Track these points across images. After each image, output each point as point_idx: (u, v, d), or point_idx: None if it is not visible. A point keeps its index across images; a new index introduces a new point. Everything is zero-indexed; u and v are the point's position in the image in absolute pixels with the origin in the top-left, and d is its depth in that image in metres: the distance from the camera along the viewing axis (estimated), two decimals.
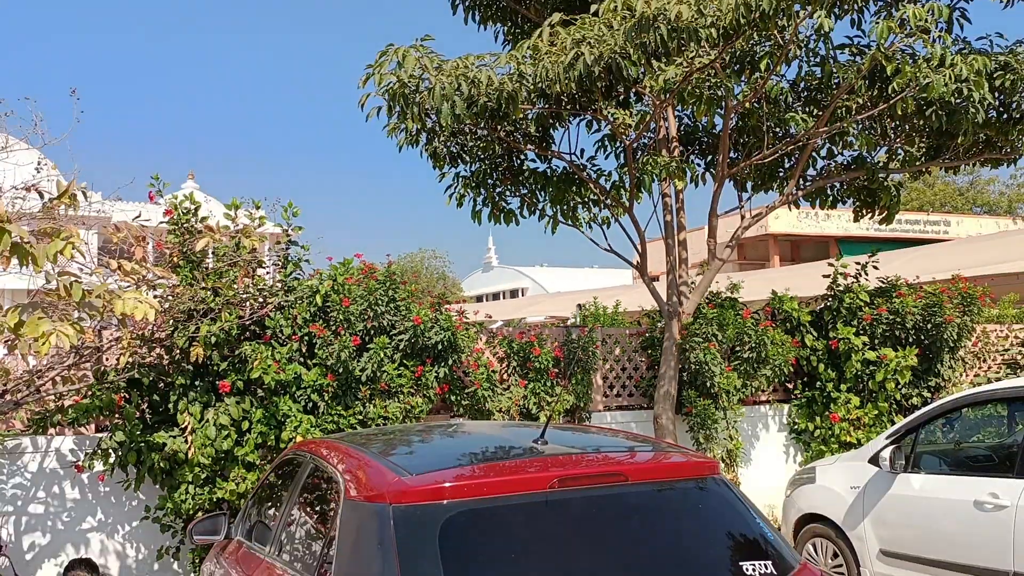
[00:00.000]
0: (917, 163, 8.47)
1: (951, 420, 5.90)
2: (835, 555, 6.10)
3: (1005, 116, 7.81)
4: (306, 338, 6.46)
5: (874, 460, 5.82)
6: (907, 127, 7.73)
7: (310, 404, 6.37)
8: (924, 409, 5.82)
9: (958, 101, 6.99)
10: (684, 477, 2.94)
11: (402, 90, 6.20)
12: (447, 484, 2.60)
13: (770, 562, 2.70)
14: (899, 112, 7.03)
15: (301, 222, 6.66)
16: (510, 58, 6.22)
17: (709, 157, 8.85)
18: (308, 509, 3.38)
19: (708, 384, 7.71)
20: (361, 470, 2.97)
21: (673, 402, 7.68)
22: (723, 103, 6.96)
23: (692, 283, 8.28)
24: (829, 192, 8.81)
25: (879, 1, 7.48)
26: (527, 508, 2.65)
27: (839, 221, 35.92)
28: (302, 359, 6.48)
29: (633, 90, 6.99)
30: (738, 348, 7.94)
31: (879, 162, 8.29)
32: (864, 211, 8.92)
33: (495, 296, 58.40)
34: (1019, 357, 9.02)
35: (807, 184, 8.39)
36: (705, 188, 8.56)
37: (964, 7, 7.52)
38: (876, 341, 8.15)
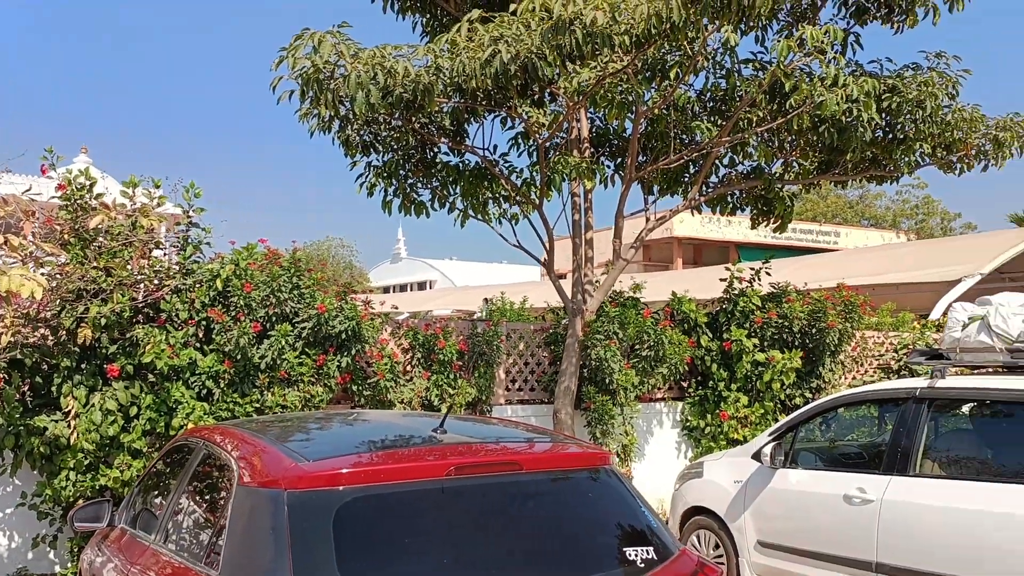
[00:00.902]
0: (810, 176, 8.94)
1: (827, 419, 6.27)
2: (716, 546, 6.39)
3: (891, 136, 8.34)
4: (204, 323, 6.30)
5: (756, 456, 6.12)
6: (802, 142, 8.14)
7: (204, 391, 6.22)
8: (803, 408, 6.17)
9: (848, 120, 7.42)
10: (577, 467, 3.05)
11: (316, 75, 6.11)
12: (344, 470, 2.62)
13: (652, 548, 2.84)
14: (795, 127, 7.41)
15: (205, 203, 6.48)
16: (428, 51, 6.22)
17: (619, 160, 9.07)
18: (199, 496, 3.32)
19: (607, 381, 7.93)
20: (256, 456, 2.94)
21: (573, 397, 7.86)
22: (633, 108, 7.16)
23: (597, 282, 8.49)
24: (730, 199, 9.18)
25: (782, 20, 7.86)
26: (424, 495, 2.70)
27: (739, 228, 37.34)
28: (199, 344, 6.31)
29: (548, 90, 7.11)
30: (637, 347, 8.19)
31: (776, 173, 8.69)
32: (760, 219, 9.34)
33: (403, 288, 57.98)
34: (892, 362, 9.65)
35: (709, 190, 8.72)
36: (614, 189, 8.78)
37: (858, 31, 7.99)
38: (766, 343, 8.56)
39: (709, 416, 8.73)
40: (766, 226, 9.31)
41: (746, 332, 8.53)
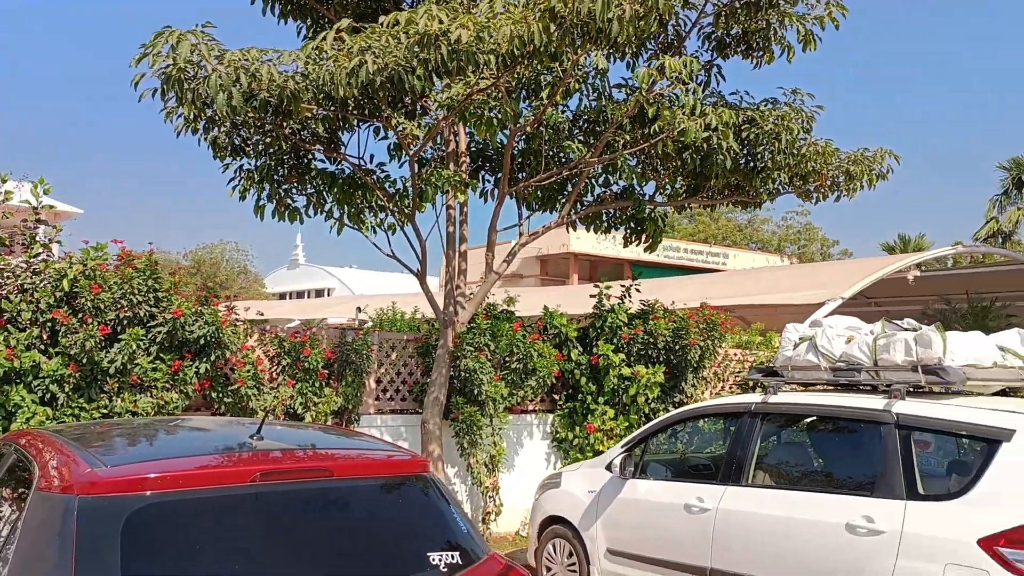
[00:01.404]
0: (680, 198, 9.35)
1: (675, 432, 6.56)
2: (571, 554, 6.57)
3: (752, 165, 8.82)
4: (49, 324, 6.04)
5: (609, 467, 6.34)
6: (671, 166, 8.51)
7: (48, 395, 5.96)
8: (654, 421, 6.44)
9: (710, 147, 7.81)
10: (391, 474, 3.11)
11: (178, 75, 5.99)
12: (139, 476, 2.60)
13: (458, 553, 2.93)
14: (660, 151, 7.75)
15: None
16: (295, 57, 6.20)
17: (498, 175, 9.24)
18: (3, 501, 3.21)
19: (476, 392, 8.03)
20: (57, 461, 2.88)
21: (442, 408, 7.92)
22: (507, 125, 7.32)
23: (471, 294, 8.60)
24: (604, 218, 9.48)
25: (651, 49, 8.21)
26: (225, 501, 2.70)
27: (633, 246, 38.16)
28: (43, 347, 6.05)
29: (420, 103, 7.19)
30: (507, 359, 8.34)
31: (646, 195, 9.04)
32: (633, 238, 9.68)
33: (300, 295, 56.81)
34: (751, 380, 10.14)
35: (583, 208, 8.98)
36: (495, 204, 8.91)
37: (720, 64, 8.43)
38: (632, 358, 8.87)
39: (577, 428, 8.95)
40: (637, 245, 9.64)
41: (613, 347, 8.81)
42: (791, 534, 5.13)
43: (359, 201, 8.25)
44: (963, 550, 4.34)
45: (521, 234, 8.66)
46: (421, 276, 8.28)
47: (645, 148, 7.68)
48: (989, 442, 4.51)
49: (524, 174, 8.89)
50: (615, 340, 8.87)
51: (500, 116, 7.00)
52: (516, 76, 7.69)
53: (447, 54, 5.61)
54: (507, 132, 7.66)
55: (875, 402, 5.07)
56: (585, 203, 9.14)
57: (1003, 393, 5.63)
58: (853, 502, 4.90)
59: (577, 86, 7.96)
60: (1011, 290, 20.12)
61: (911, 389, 5.14)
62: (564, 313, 9.26)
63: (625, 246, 9.84)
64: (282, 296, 54.38)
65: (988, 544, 4.27)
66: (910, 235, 42.28)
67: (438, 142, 8.46)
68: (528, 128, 7.81)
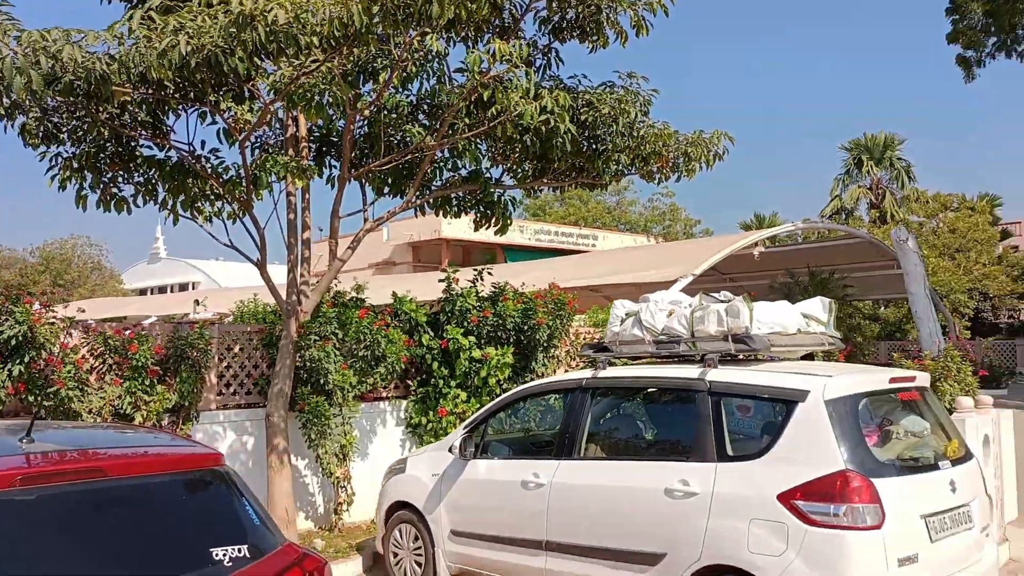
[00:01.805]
0: (527, 181, 9.48)
1: (515, 410, 6.68)
2: (416, 539, 6.59)
3: (594, 147, 9.04)
4: None
5: (452, 448, 6.39)
6: (513, 149, 8.60)
7: None
8: (494, 401, 6.53)
9: (548, 130, 7.93)
10: (176, 470, 3.01)
11: None
12: None
13: (246, 547, 2.87)
14: (500, 134, 7.81)
15: None
16: (103, 37, 5.84)
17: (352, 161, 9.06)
18: None
19: (323, 381, 7.90)
20: None
21: (287, 400, 7.73)
22: (344, 109, 7.16)
23: (316, 283, 8.42)
24: (455, 202, 9.49)
25: (488, 33, 8.24)
26: None
27: (491, 230, 38.54)
28: None
29: (249, 86, 6.93)
30: (355, 347, 8.23)
31: (492, 177, 9.11)
32: (483, 222, 9.74)
33: (162, 289, 54.10)
34: (582, 356, 10.46)
35: (430, 193, 8.95)
36: (352, 191, 8.74)
37: (558, 48, 8.59)
38: (483, 341, 8.95)
39: (431, 413, 8.97)
40: (487, 228, 9.72)
41: (463, 330, 8.87)
42: (618, 502, 5.34)
43: (194, 190, 7.91)
44: (765, 505, 4.64)
45: (366, 220, 8.54)
46: (261, 266, 8.03)
47: (485, 131, 7.71)
48: (787, 403, 4.83)
49: (371, 159, 8.76)
50: (465, 323, 8.92)
51: (332, 99, 6.85)
52: (352, 59, 7.56)
53: (265, 35, 5.43)
54: (345, 116, 7.50)
55: (691, 371, 5.34)
56: (434, 187, 9.11)
57: (809, 357, 6.07)
58: (672, 467, 5.15)
59: (416, 70, 7.90)
60: (848, 262, 21.63)
61: (724, 357, 5.45)
62: (415, 299, 9.23)
63: (475, 230, 9.88)
64: (142, 292, 51.66)
65: (786, 498, 4.60)
66: (765, 214, 44.78)
67: (274, 127, 8.21)
68: (367, 112, 7.70)
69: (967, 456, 5.24)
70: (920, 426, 5.29)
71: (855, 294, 20.40)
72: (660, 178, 10.08)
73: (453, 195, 9.40)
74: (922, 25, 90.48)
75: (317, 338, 7.85)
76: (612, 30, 8.39)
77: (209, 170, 7.58)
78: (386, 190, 9.26)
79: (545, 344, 9.12)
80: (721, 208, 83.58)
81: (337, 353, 8.06)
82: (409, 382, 9.31)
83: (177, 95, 6.58)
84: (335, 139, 9.05)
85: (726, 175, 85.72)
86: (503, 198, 9.66)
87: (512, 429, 6.82)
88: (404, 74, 7.77)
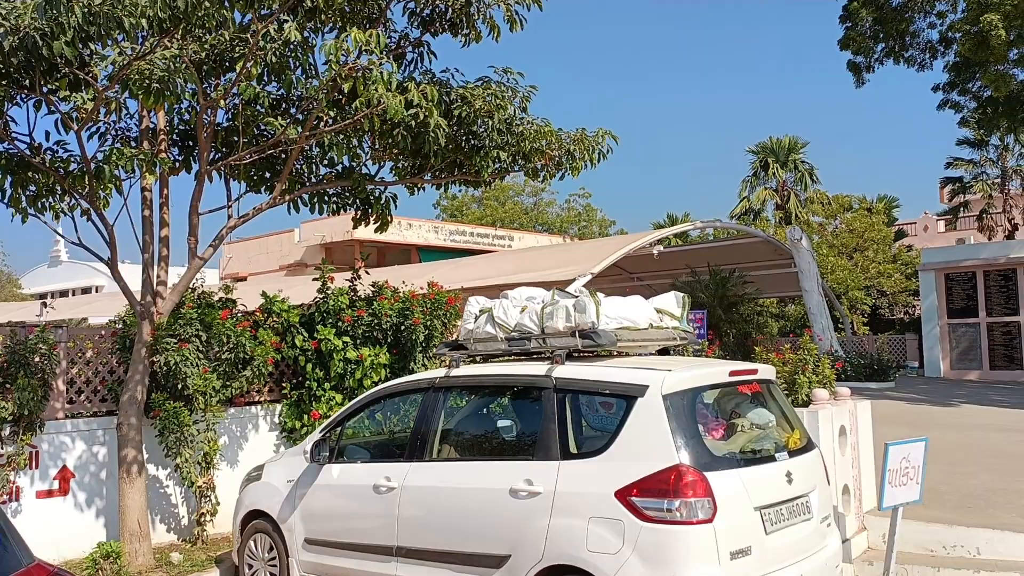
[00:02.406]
0: (405, 177, 9.26)
1: (374, 412, 6.45)
2: (271, 548, 6.30)
3: (473, 143, 8.90)
4: None
5: (305, 453, 6.13)
6: (385, 143, 8.37)
7: None
8: (350, 403, 6.29)
9: (419, 124, 7.74)
10: None
11: None
12: None
13: None
14: (368, 128, 7.58)
15: None
16: None
17: (214, 155, 8.66)
18: None
19: (181, 386, 7.51)
20: None
21: (139, 407, 7.32)
22: (184, 99, 6.82)
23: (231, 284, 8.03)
24: (335, 199, 9.20)
25: (355, 23, 8.00)
26: None
27: (419, 231, 38.47)
28: None
29: (85, 73, 6.51)
30: (219, 349, 7.87)
31: (367, 174, 8.87)
32: (363, 220, 9.48)
33: (64, 293, 51.76)
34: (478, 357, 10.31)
35: (300, 188, 8.64)
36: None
37: (430, 41, 8.42)
38: (358, 341, 8.69)
39: (305, 416, 8.66)
40: (366, 226, 9.47)
41: (334, 331, 8.59)
42: (465, 504, 5.18)
43: (41, 184, 7.42)
44: (603, 503, 4.55)
45: (230, 216, 8.17)
46: (112, 265, 7.59)
47: (350, 125, 7.47)
48: (627, 399, 4.76)
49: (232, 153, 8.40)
50: (339, 324, 8.65)
51: (180, 88, 6.49)
52: (206, 47, 7.22)
53: (82, 16, 5.08)
54: (183, 107, 7.14)
55: (539, 368, 5.23)
56: (307, 183, 8.81)
57: (665, 352, 6.04)
58: (517, 467, 5.02)
59: (277, 61, 7.59)
60: (750, 261, 22.17)
61: (573, 353, 5.36)
62: (287, 299, 8.90)
63: (355, 227, 9.63)
64: (42, 296, 49.22)
65: (623, 495, 4.52)
66: (677, 214, 45.66)
67: (125, 117, 7.78)
68: (221, 102, 7.36)
69: (808, 447, 5.28)
70: (765, 418, 5.31)
71: (759, 292, 20.92)
72: (544, 176, 10.03)
73: (328, 192, 9.12)
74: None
75: (173, 340, 7.46)
76: (484, 24, 8.27)
77: (50, 163, 7.10)
78: (258, 186, 8.93)
79: (423, 344, 8.92)
80: (636, 209, 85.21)
81: (200, 356, 7.68)
82: (285, 385, 8.97)
83: (2, 81, 6.12)
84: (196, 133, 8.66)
85: (642, 176, 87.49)
86: (383, 195, 9.44)
87: (373, 432, 6.59)
88: (266, 64, 7.45)
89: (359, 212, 9.41)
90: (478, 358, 5.99)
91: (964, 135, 31.38)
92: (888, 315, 34.05)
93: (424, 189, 9.90)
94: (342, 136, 7.84)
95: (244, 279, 36.24)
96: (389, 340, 8.80)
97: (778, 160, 39.48)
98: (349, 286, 9.29)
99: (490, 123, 8.42)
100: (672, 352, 6.05)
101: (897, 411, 13.67)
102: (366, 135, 8.34)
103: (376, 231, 9.58)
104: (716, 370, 5.06)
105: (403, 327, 8.73)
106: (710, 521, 4.38)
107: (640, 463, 4.55)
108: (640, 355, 5.64)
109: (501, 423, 5.68)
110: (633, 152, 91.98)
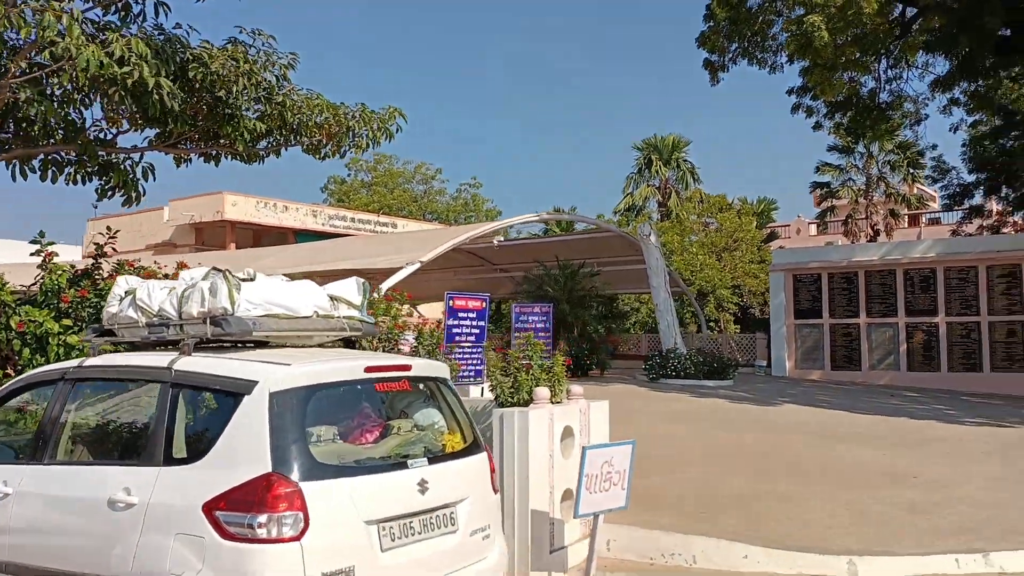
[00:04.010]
0: (154, 146, 8.44)
1: (13, 407, 5.63)
2: None
3: (227, 111, 8.14)
4: None
5: None
6: (114, 105, 7.53)
7: None
8: None
9: (135, 83, 6.92)
10: None
11: None
12: None
13: None
14: (68, 83, 6.74)
15: None
16: None
17: None
18: None
19: None
20: None
21: None
22: None
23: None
24: (64, 166, 8.28)
25: None
26: None
27: (296, 214, 37.18)
28: None
29: None
30: None
31: (99, 138, 8.01)
32: (109, 192, 8.60)
33: None
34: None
35: (8, 149, 7.71)
36: None
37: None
38: (83, 325, 7.80)
39: None
40: (110, 199, 8.60)
41: (56, 312, 7.69)
42: (67, 516, 4.48)
43: None
44: (190, 517, 3.94)
45: None
46: None
47: (37, 77, 6.61)
48: (235, 396, 4.15)
49: None
50: (59, 304, 7.75)
51: None
52: None
53: None
54: None
55: (163, 359, 4.57)
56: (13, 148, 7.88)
57: (351, 344, 5.47)
58: (120, 473, 4.35)
59: None
60: (605, 255, 22.04)
61: (217, 344, 4.73)
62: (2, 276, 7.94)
63: (99, 199, 8.72)
64: None
65: (209, 509, 3.91)
66: (564, 207, 45.68)
67: None
68: None
69: (470, 451, 4.79)
70: (429, 419, 4.82)
71: (607, 285, 20.76)
72: (326, 153, 9.40)
73: (64, 157, 8.20)
74: None
75: None
76: None
77: None
78: None
79: None
80: (525, 201, 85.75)
81: None
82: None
83: None
84: None
85: (533, 168, 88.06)
86: (134, 166, 8.60)
87: (12, 431, 5.75)
88: None
89: (104, 184, 8.54)
90: (124, 347, 5.28)
91: (833, 141, 32.34)
92: (758, 314, 34.89)
93: (190, 160, 9.09)
94: (43, 92, 6.95)
95: (107, 257, 34.19)
96: None
97: (662, 158, 39.90)
98: (93, 263, 8.37)
99: (235, 89, 7.70)
100: (357, 345, 5.49)
101: (709, 409, 13.63)
102: (89, 94, 7.47)
103: (124, 205, 8.72)
104: (346, 365, 4.50)
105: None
106: (298, 539, 3.82)
107: (234, 471, 3.96)
108: (303, 347, 5.05)
109: (118, 422, 4.98)
110: (527, 143, 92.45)
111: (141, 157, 8.72)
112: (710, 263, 30.30)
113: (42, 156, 8.08)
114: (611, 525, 6.61)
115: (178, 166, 9.15)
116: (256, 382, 4.11)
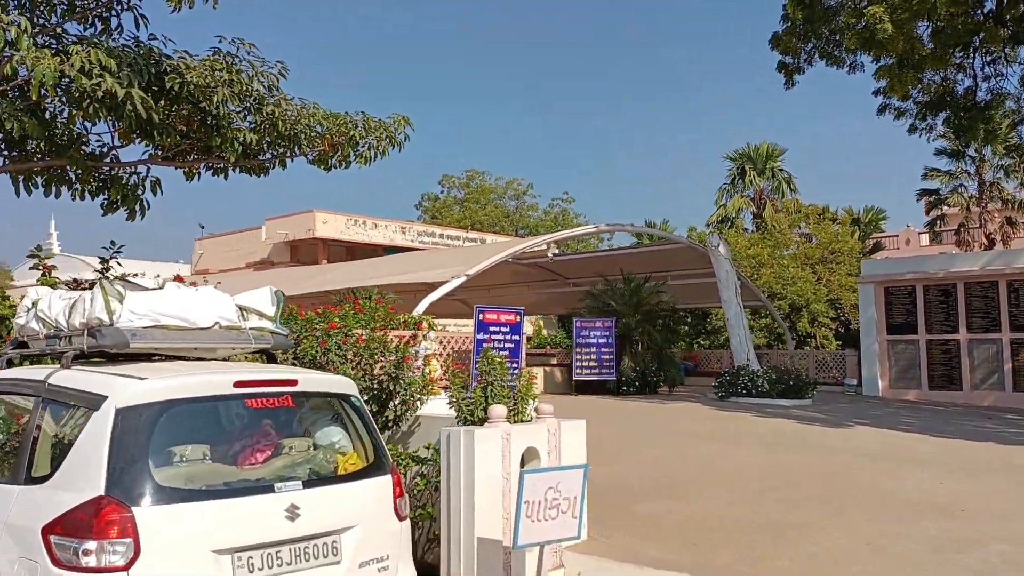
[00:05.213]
0: (152, 160, 8.49)
1: None
2: None
3: (212, 122, 8.08)
4: None
5: None
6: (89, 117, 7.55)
7: None
8: None
9: (109, 95, 6.89)
10: None
11: None
12: None
13: None
14: (33, 96, 6.77)
15: None
16: None
17: None
18: None
19: None
20: None
21: None
22: None
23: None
24: (69, 180, 8.44)
25: None
26: None
27: (385, 231, 37.90)
28: None
29: None
30: None
31: (93, 152, 8.10)
32: (113, 206, 8.71)
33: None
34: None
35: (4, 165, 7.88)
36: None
37: (138, 5, 7.62)
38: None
39: None
40: (113, 213, 8.69)
41: None
42: None
43: None
44: (33, 540, 3.70)
45: None
46: None
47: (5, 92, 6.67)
48: (88, 411, 3.90)
49: None
50: None
51: None
52: None
53: None
54: None
55: (42, 373, 4.39)
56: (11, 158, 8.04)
57: (272, 358, 5.16)
58: None
59: None
60: (667, 268, 21.09)
61: (90, 355, 4.51)
62: None
63: (104, 213, 8.84)
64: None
65: (47, 532, 3.66)
66: (656, 221, 44.56)
67: None
68: None
69: (361, 474, 4.36)
70: (328, 439, 4.44)
71: (674, 299, 19.79)
72: (333, 164, 9.26)
73: (68, 172, 8.34)
74: None
75: None
76: None
77: None
78: None
79: None
80: (616, 215, 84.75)
81: None
82: None
83: None
84: None
85: (627, 182, 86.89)
86: (140, 180, 8.67)
87: None
88: None
89: (107, 199, 8.65)
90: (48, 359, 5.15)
91: (941, 144, 30.04)
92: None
93: (199, 174, 9.11)
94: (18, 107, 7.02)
95: (208, 272, 35.79)
96: None
97: (756, 168, 38.26)
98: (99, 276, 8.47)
99: (215, 99, 7.61)
100: (278, 360, 5.17)
101: (765, 430, 12.60)
102: (70, 108, 7.53)
103: (127, 219, 8.78)
104: (214, 379, 4.15)
105: None
106: (125, 569, 3.50)
107: (73, 493, 3.69)
108: (203, 360, 4.77)
109: (9, 438, 4.80)
110: (620, 159, 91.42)
111: (148, 172, 8.79)
112: (803, 276, 28.63)
113: (46, 171, 8.23)
114: (582, 555, 5.99)
115: (188, 180, 9.18)
116: (105, 396, 3.85)
